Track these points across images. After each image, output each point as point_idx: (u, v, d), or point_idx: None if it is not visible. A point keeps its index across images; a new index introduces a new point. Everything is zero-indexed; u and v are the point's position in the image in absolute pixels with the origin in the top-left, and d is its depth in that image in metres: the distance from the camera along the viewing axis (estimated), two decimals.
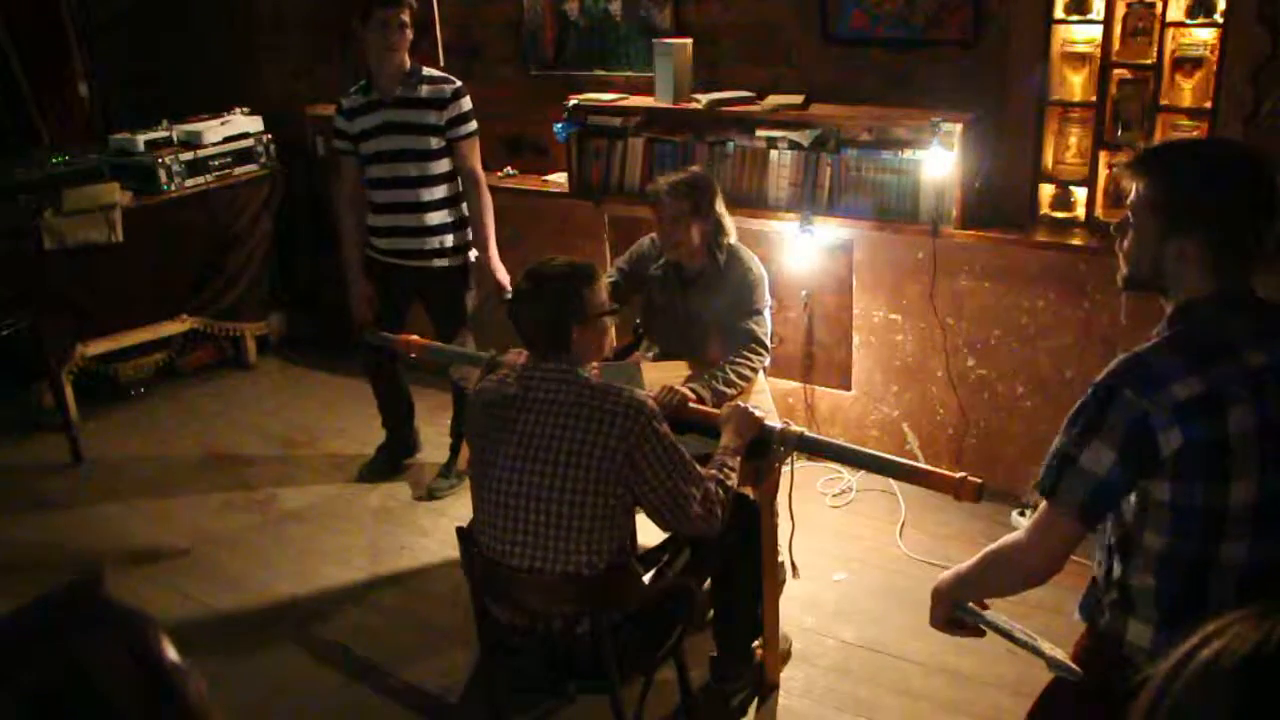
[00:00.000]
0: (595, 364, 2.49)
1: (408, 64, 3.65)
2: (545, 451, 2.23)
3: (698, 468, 2.34)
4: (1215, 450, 1.56)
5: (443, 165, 3.71)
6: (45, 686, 0.71)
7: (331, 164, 4.32)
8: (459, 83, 3.72)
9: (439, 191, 3.73)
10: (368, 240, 3.86)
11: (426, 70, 3.71)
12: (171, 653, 0.78)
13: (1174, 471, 1.58)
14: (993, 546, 1.77)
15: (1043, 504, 1.67)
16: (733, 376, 2.95)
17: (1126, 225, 1.71)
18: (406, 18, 3.60)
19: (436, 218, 3.74)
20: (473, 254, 3.81)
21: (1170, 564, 1.65)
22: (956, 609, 1.79)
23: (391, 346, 3.60)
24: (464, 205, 3.77)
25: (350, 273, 3.87)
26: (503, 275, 3.73)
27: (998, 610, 1.81)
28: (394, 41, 3.58)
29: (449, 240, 3.77)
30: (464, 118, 3.69)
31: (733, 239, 3.21)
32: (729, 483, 2.41)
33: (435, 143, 3.67)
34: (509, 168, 4.60)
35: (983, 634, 1.80)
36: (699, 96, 3.91)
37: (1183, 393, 1.55)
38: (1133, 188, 1.68)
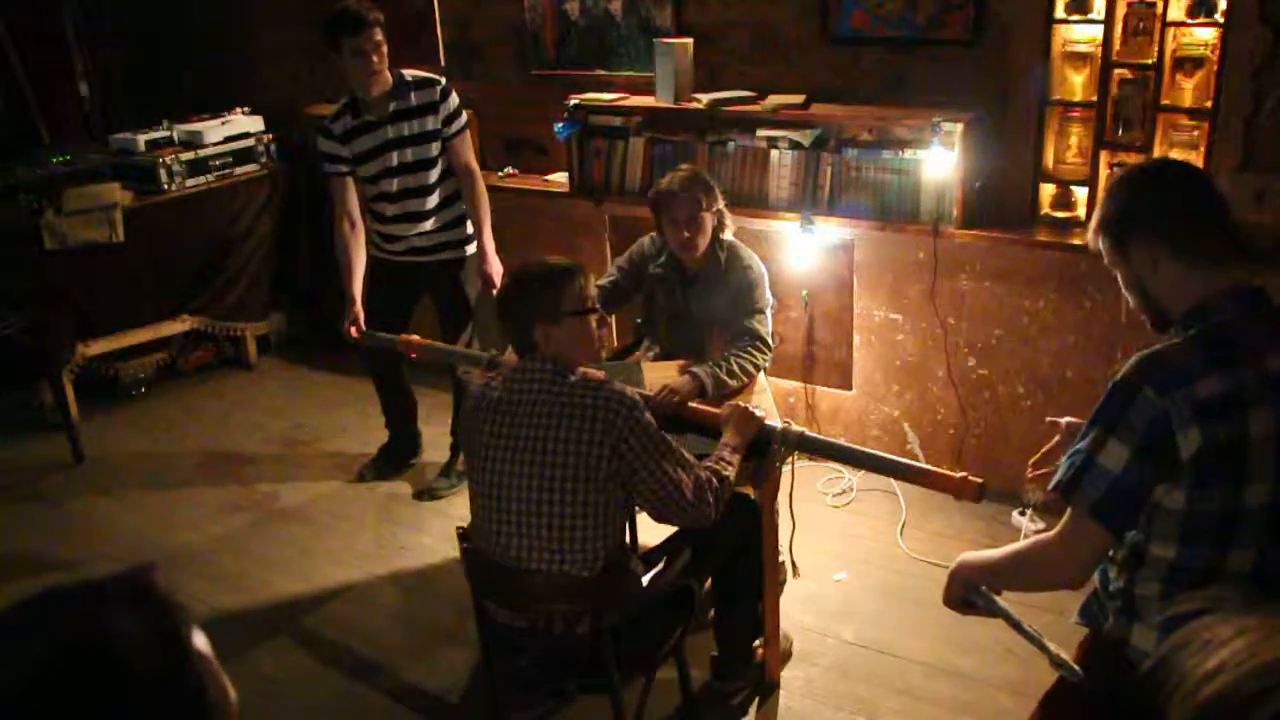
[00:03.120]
0: (593, 365, 2.48)
1: (390, 80, 3.57)
2: (533, 452, 2.23)
3: (687, 455, 2.34)
4: (1234, 452, 1.55)
5: (443, 166, 3.72)
6: (71, 641, 0.77)
7: (322, 186, 4.16)
8: (443, 79, 3.69)
9: (444, 192, 3.74)
10: (377, 244, 3.83)
11: (408, 74, 3.63)
12: (199, 643, 0.84)
13: (1192, 476, 1.56)
14: (1025, 543, 1.78)
15: (1068, 509, 1.66)
16: (735, 368, 2.94)
17: (1121, 286, 1.76)
18: (379, 35, 3.46)
19: (444, 217, 3.77)
20: (472, 247, 3.81)
21: (1178, 572, 1.64)
22: (972, 592, 1.80)
23: (390, 346, 3.60)
24: (462, 199, 3.77)
25: (347, 298, 3.71)
26: (496, 268, 3.68)
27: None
28: (373, 65, 3.47)
29: (455, 235, 3.80)
30: (456, 113, 3.67)
31: (729, 234, 3.20)
32: (725, 473, 2.41)
33: (436, 148, 3.67)
34: (509, 168, 4.60)
35: (993, 616, 1.80)
36: (700, 96, 3.91)
37: (1204, 391, 1.54)
38: (1103, 254, 1.76)
